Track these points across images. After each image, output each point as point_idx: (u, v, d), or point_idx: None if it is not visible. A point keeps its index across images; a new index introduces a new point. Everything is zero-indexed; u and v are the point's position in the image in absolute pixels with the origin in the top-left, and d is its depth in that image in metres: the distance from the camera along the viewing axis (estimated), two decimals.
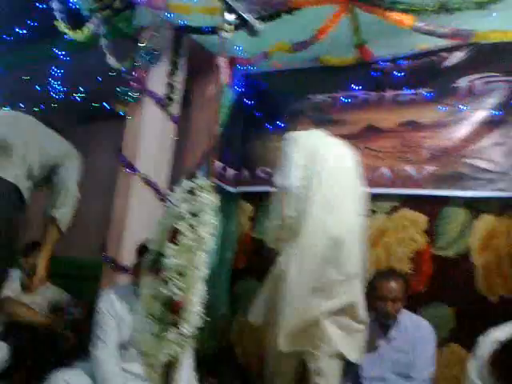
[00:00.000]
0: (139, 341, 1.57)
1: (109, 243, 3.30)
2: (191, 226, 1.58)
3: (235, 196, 3.71)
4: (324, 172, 2.43)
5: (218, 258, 3.59)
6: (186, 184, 1.63)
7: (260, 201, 3.55)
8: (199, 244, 1.57)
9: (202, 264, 1.57)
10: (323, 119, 3.37)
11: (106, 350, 2.25)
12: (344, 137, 3.26)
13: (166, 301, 1.54)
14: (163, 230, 1.60)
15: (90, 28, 3.11)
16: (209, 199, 1.60)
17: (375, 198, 3.12)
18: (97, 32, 3.15)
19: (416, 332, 2.65)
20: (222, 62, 1.76)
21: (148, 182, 3.14)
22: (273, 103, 3.65)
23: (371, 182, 3.11)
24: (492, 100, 2.89)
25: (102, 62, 3.20)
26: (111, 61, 3.17)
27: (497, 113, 2.87)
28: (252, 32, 1.78)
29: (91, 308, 2.51)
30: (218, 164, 3.58)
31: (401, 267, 2.98)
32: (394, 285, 2.66)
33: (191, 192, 1.62)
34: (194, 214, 1.60)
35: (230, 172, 3.71)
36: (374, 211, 3.16)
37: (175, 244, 1.56)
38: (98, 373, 2.21)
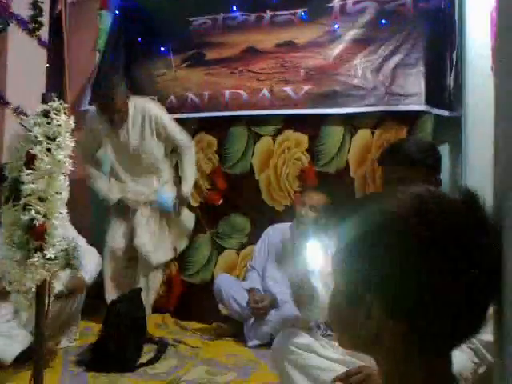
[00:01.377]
0: (4, 269, 1.55)
1: None
2: (48, 149, 1.54)
3: None
4: None
5: None
6: (40, 107, 1.57)
7: None
8: (57, 168, 1.54)
9: (62, 188, 1.55)
10: (204, 42, 3.33)
11: None
12: (224, 60, 3.27)
13: (28, 227, 1.51)
14: (19, 155, 1.55)
15: None
16: (65, 122, 1.56)
17: (259, 120, 3.22)
18: None
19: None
20: None
21: (20, 113, 2.96)
22: (154, 27, 3.52)
23: (253, 105, 3.19)
24: (362, 19, 3.00)
25: None
26: None
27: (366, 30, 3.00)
28: None
29: None
30: None
31: (290, 186, 3.16)
32: (314, 195, 2.88)
33: (46, 115, 1.56)
34: (51, 138, 1.55)
35: None
36: (260, 135, 3.26)
37: (32, 169, 1.52)
38: None
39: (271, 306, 2.80)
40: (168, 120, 3.12)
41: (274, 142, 3.23)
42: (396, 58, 2.94)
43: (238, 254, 3.29)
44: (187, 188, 3.12)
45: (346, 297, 0.66)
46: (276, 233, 3.03)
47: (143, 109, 3.06)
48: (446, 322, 0.60)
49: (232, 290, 2.88)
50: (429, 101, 2.84)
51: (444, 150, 2.81)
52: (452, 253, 0.59)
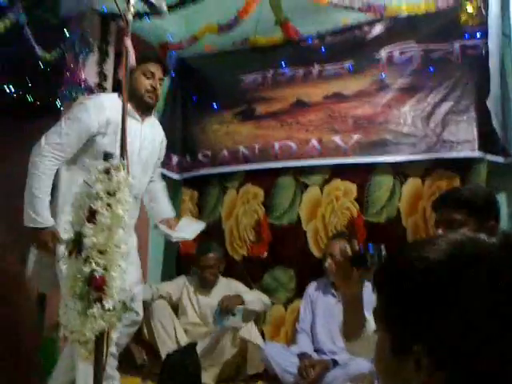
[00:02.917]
0: (66, 319, 1.62)
1: None
2: (108, 205, 1.63)
3: (179, 182, 3.73)
4: None
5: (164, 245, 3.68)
6: (101, 165, 1.68)
7: (203, 185, 3.62)
8: (117, 222, 1.62)
9: (120, 241, 1.62)
10: (255, 98, 3.46)
11: None
12: (274, 113, 3.37)
13: (88, 278, 1.59)
14: (81, 210, 1.65)
15: (10, 18, 3.04)
16: (124, 178, 1.66)
17: (307, 171, 3.26)
18: (18, 21, 3.08)
19: (368, 295, 2.77)
20: (129, 43, 1.79)
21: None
22: (207, 86, 3.70)
23: (302, 155, 3.25)
24: (410, 67, 3.04)
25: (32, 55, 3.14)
26: (39, 51, 3.12)
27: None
28: (157, 12, 1.82)
29: None
30: None
31: None
32: (334, 243, 2.82)
33: (107, 172, 1.66)
34: (111, 194, 1.65)
35: (174, 159, 3.71)
36: (307, 185, 3.29)
37: (94, 223, 1.61)
38: None
39: (325, 369, 2.64)
40: None
41: (322, 192, 3.25)
42: (446, 106, 2.93)
43: (286, 309, 3.25)
44: None
45: (393, 349, 0.65)
46: (314, 288, 2.98)
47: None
48: (497, 366, 0.59)
49: (282, 359, 2.73)
50: (482, 147, 2.79)
51: (500, 198, 2.72)
52: (491, 297, 0.59)
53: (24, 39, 3.10)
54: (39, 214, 2.27)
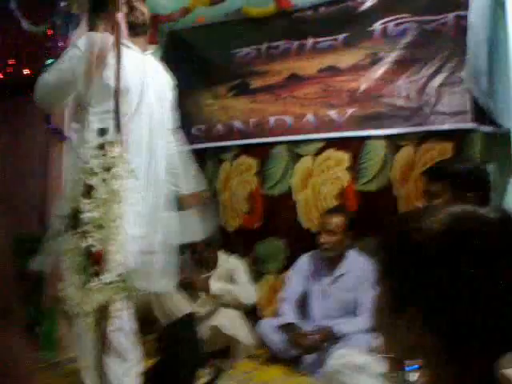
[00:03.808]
0: (67, 293, 1.65)
1: (49, 213, 3.32)
2: (104, 180, 1.64)
3: None
4: None
5: None
6: (96, 141, 1.68)
7: (198, 159, 3.61)
8: (113, 197, 1.64)
9: (117, 216, 1.64)
10: (248, 72, 3.44)
11: None
12: (269, 87, 3.36)
13: (86, 253, 1.61)
14: (77, 186, 1.66)
15: None
16: (119, 153, 1.66)
17: (301, 142, 3.26)
18: None
19: (362, 270, 2.77)
20: (120, 16, 1.77)
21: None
22: (200, 60, 3.66)
23: (298, 130, 3.25)
24: (404, 40, 3.01)
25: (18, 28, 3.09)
26: (25, 25, 3.07)
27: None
28: None
29: None
30: None
31: (328, 205, 3.14)
32: (330, 218, 2.83)
33: (101, 148, 1.67)
34: (106, 169, 1.66)
35: None
36: (300, 155, 3.29)
37: (89, 199, 1.62)
38: None
39: (326, 339, 2.63)
40: None
41: (314, 162, 3.26)
42: (440, 77, 2.92)
43: (278, 279, 3.29)
44: None
45: (390, 309, 0.69)
46: (308, 263, 2.96)
47: None
48: (483, 336, 0.62)
49: (276, 336, 2.78)
50: (476, 118, 2.80)
51: (494, 167, 2.74)
52: (487, 269, 0.62)
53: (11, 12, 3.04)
54: None
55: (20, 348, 0.23)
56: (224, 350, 2.92)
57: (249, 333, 2.92)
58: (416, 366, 1.40)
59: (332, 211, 2.93)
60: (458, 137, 2.86)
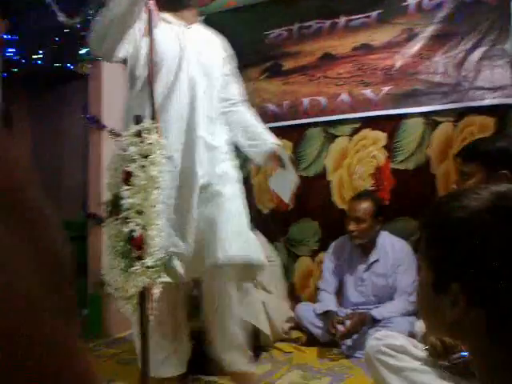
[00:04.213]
0: (110, 277, 1.70)
1: (90, 201, 3.42)
2: (142, 166, 1.67)
3: None
4: None
5: None
6: (133, 128, 1.71)
7: None
8: (151, 183, 1.67)
9: (156, 201, 1.67)
10: (281, 53, 3.41)
11: None
12: (302, 68, 3.32)
13: (128, 238, 1.65)
14: (116, 173, 1.69)
15: None
16: (155, 140, 1.69)
17: (337, 122, 3.23)
18: None
19: (396, 254, 2.78)
20: (152, 4, 1.78)
21: (116, 135, 3.20)
22: (231, 43, 3.64)
23: (332, 110, 3.21)
24: (439, 14, 2.92)
25: (55, 21, 3.18)
26: (61, 17, 3.14)
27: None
28: None
29: None
30: None
31: (363, 185, 3.12)
32: (358, 204, 2.80)
33: (138, 135, 1.70)
34: (144, 156, 1.69)
35: None
36: (335, 135, 3.26)
37: (129, 186, 1.66)
38: None
39: (364, 324, 2.65)
40: None
41: (350, 142, 3.22)
42: (480, 51, 2.82)
43: (314, 260, 3.30)
44: None
45: (433, 286, 0.70)
46: (339, 252, 2.96)
47: None
48: None
49: (312, 317, 2.85)
50: None
51: None
52: None
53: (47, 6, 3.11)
54: None
55: (81, 350, 0.24)
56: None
57: (266, 321, 2.83)
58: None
59: (359, 197, 2.88)
60: (500, 112, 2.77)
